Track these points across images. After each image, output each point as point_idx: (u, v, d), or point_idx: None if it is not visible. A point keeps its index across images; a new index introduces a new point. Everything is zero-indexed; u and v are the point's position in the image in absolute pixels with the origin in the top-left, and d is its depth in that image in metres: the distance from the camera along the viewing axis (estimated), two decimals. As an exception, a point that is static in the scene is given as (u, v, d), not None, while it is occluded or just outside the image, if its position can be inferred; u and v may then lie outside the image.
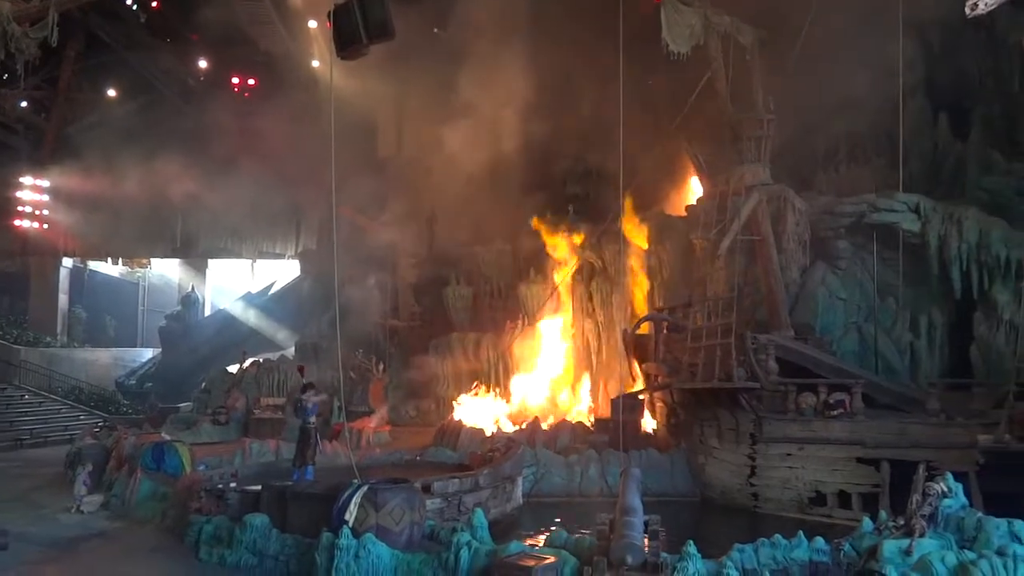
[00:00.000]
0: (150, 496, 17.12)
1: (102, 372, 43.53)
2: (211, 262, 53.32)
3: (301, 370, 18.82)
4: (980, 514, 11.69)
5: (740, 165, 23.74)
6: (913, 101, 25.91)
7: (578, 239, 31.29)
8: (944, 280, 23.11)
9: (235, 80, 43.84)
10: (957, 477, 12.30)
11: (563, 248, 31.64)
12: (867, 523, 11.97)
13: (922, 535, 11.08)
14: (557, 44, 32.97)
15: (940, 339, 23.20)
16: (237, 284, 53.36)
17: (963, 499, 11.97)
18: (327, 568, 11.72)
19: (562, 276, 31.25)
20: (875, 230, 23.44)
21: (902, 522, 11.53)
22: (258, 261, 51.12)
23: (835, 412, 18.62)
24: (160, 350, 46.84)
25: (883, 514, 12.38)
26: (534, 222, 32.31)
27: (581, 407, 29.17)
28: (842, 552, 11.35)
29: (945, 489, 11.70)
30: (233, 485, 15.20)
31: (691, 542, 10.97)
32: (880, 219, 23.22)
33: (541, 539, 14.00)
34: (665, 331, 23.41)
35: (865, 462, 17.97)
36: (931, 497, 11.49)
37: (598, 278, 30.52)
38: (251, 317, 44.92)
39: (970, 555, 10.56)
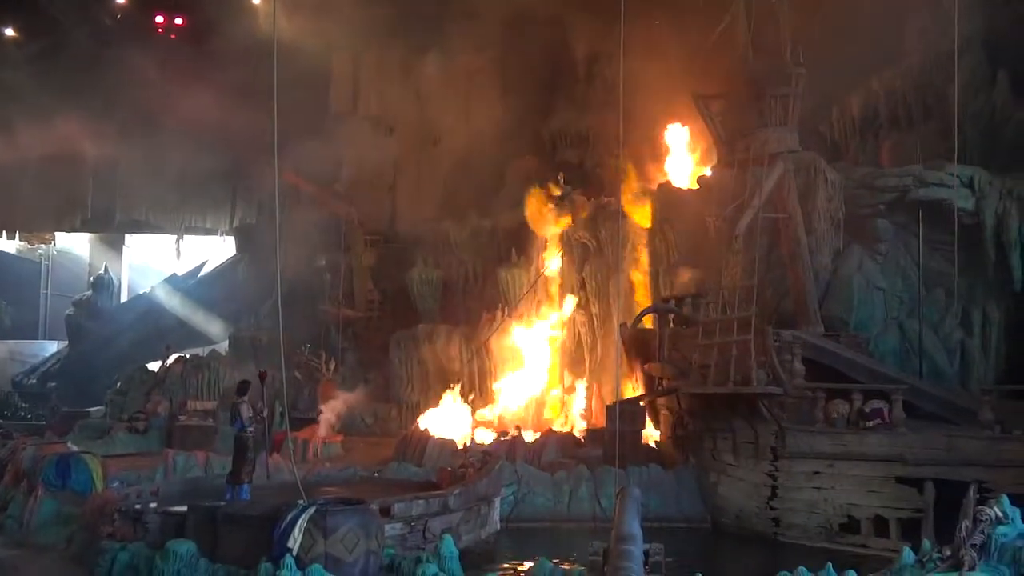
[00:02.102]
0: (53, 518, 17.00)
1: (-5, 368, 43.25)
2: (129, 238, 52.90)
3: (262, 376, 18.52)
4: (1041, 544, 11.79)
5: (763, 129, 23.77)
6: (968, 57, 26.02)
7: (567, 216, 31.27)
8: (1002, 268, 23.25)
9: (159, 19, 43.48)
10: (1014, 500, 12.37)
11: (550, 225, 31.63)
12: (908, 554, 12.04)
13: (972, 568, 11.16)
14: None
15: (996, 338, 23.37)
16: (160, 265, 52.94)
17: (1020, 526, 12.05)
18: (266, 605, 11.68)
19: (549, 258, 31.25)
20: (921, 208, 23.54)
21: (949, 553, 11.60)
22: (185, 238, 50.78)
23: (871, 423, 18.71)
24: (66, 343, 46.50)
25: (927, 543, 12.45)
26: (532, 196, 32.11)
27: (571, 415, 29.22)
28: (878, 588, 11.43)
29: (1000, 514, 11.76)
30: (153, 505, 15.10)
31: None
32: (927, 195, 23.31)
33: (522, 571, 14.02)
34: (671, 326, 23.45)
35: (906, 482, 18.08)
36: (983, 524, 11.56)
37: (592, 262, 30.51)
38: (176, 304, 44.60)
39: (1028, 592, 10.65)
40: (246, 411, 16.74)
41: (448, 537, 13.24)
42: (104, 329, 44.85)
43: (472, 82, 37.10)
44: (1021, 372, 22.19)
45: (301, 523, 12.03)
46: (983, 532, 11.53)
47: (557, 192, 32.22)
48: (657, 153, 31.85)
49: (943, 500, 17.10)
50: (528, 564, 14.84)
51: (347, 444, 26.83)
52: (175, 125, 39.05)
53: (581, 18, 34.26)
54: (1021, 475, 16.66)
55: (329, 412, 28.14)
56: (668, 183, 29.31)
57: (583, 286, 30.68)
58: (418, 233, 36.16)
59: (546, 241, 31.76)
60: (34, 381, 43.62)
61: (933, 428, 19.09)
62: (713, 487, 20.73)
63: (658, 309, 24.54)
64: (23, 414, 37.36)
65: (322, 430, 26.91)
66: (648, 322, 24.78)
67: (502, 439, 25.43)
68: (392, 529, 14.24)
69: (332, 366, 31.65)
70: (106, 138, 40.97)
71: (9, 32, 43.53)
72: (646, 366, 24.04)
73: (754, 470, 19.70)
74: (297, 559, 11.81)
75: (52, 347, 48.24)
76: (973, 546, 11.40)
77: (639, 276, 29.06)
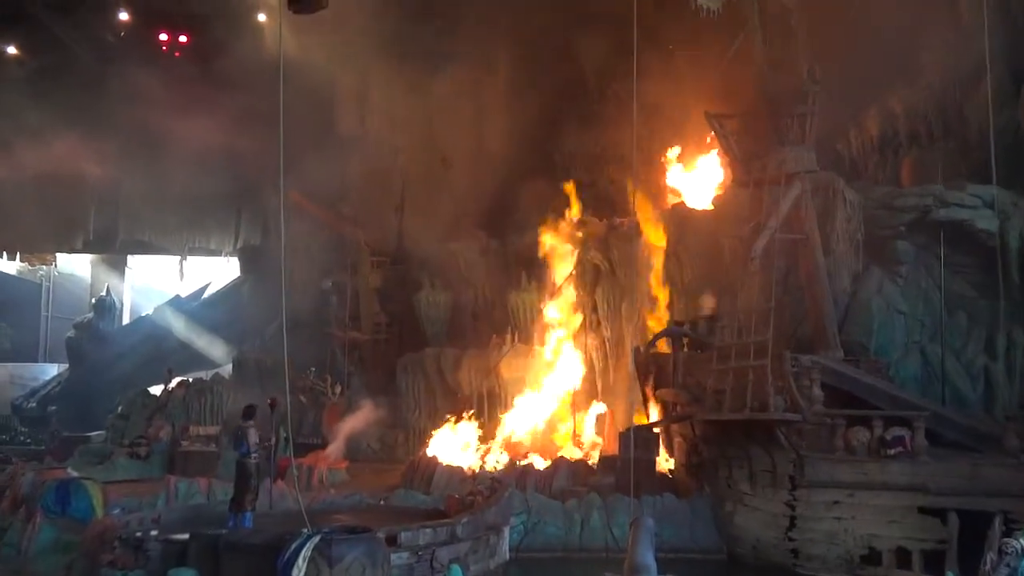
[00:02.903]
0: (52, 545, 16.99)
1: (-6, 392, 43.38)
2: (131, 259, 53.14)
3: (272, 404, 18.55)
4: (1069, 577, 11.68)
5: (779, 148, 23.76)
6: (989, 73, 26.01)
7: (579, 237, 31.26)
8: (1026, 291, 23.18)
9: (163, 37, 43.66)
10: (1041, 532, 12.30)
11: (563, 246, 31.61)
12: (931, 587, 11.97)
13: (998, 602, 11.07)
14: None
15: (1021, 363, 23.26)
16: (163, 286, 53.18)
17: (1048, 559, 11.96)
18: (269, 637, 11.64)
19: (561, 280, 31.22)
20: (942, 229, 23.49)
21: (974, 586, 11.51)
22: (189, 259, 50.98)
23: (893, 451, 18.60)
24: (67, 366, 46.61)
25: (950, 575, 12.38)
26: (543, 217, 32.18)
27: (583, 442, 29.12)
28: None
29: (1026, 546, 11.69)
30: (154, 533, 15.07)
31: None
32: (948, 215, 23.27)
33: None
34: (686, 350, 23.39)
35: (929, 512, 17.94)
36: (1009, 556, 11.48)
37: (605, 284, 30.50)
38: (179, 327, 44.75)
39: (1057, 628, 10.55)
40: (253, 436, 16.77)
41: (456, 567, 13.20)
42: (105, 352, 45.01)
43: (481, 102, 37.20)
44: (1047, 398, 22.13)
45: (305, 552, 12.00)
46: (1008, 565, 11.45)
47: (568, 213, 32.23)
48: (671, 173, 31.86)
49: (967, 531, 16.98)
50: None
51: (353, 470, 26.79)
52: (179, 145, 39.18)
53: (592, 37, 34.36)
54: (1048, 505, 16.57)
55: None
56: (682, 204, 29.31)
57: (595, 309, 30.64)
58: (426, 255, 36.18)
59: (557, 263, 31.71)
60: (34, 405, 43.74)
61: (956, 456, 18.96)
62: (729, 517, 20.61)
63: (672, 333, 24.50)
64: (22, 439, 37.48)
65: (328, 457, 26.83)
66: (662, 346, 24.73)
67: (511, 466, 25.37)
68: (399, 559, 14.17)
69: (338, 390, 31.65)
70: (108, 157, 41.20)
71: (11, 50, 43.78)
72: (660, 391, 23.99)
73: (772, 499, 19.57)
74: (301, 589, 11.77)
75: (52, 370, 48.41)
76: (999, 579, 11.32)
77: (652, 298, 29.02)
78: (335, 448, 27.41)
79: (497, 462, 26.75)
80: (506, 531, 18.43)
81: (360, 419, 28.86)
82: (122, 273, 53.31)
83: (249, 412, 17.29)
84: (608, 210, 31.97)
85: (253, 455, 16.66)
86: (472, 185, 36.75)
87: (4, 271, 50.46)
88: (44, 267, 53.14)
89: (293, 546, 12.13)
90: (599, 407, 29.50)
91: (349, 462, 27.49)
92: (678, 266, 28.02)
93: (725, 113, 25.83)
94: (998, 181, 23.69)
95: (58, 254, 52.06)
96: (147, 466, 26.87)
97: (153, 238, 48.68)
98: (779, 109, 23.77)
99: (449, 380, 32.03)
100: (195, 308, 46.40)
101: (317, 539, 12.17)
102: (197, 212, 46.98)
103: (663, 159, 31.19)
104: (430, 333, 34.62)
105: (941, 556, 17.38)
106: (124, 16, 42.15)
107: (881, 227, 24.20)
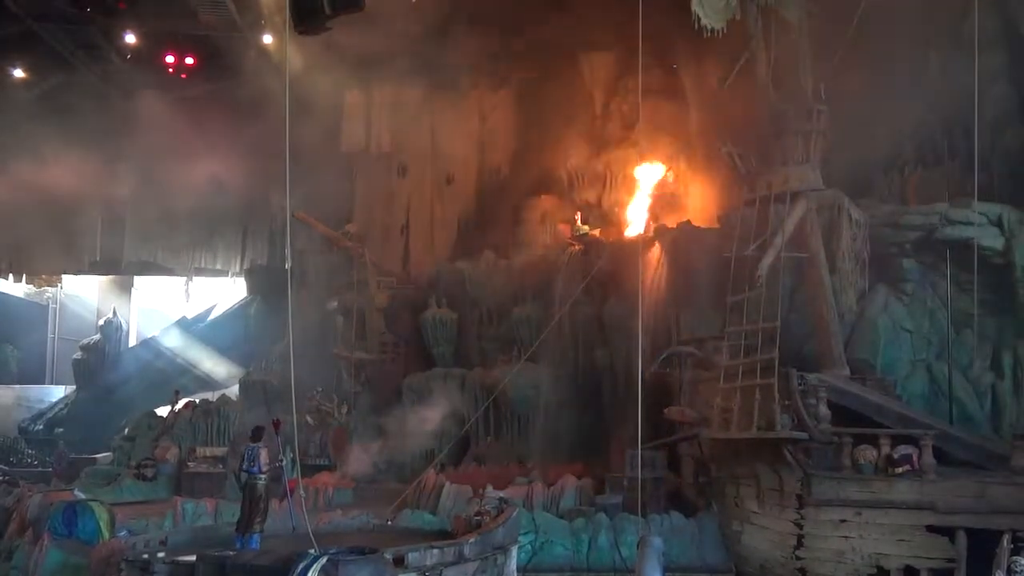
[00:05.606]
0: (60, 568, 17.02)
1: (2, 415, 43.38)
2: (137, 280, 53.18)
3: (277, 425, 18.61)
4: (1077, 596, 11.70)
5: (784, 166, 23.83)
6: (995, 91, 26.05)
7: (585, 255, 31.31)
8: (1033, 309, 23.14)
9: (169, 58, 43.87)
10: (1049, 550, 12.31)
11: (567, 264, 31.63)
12: (939, 606, 11.98)
13: (1006, 621, 11.09)
14: (564, 12, 33.21)
15: (1028, 380, 23.23)
16: (169, 307, 53.24)
17: (1057, 577, 11.97)
18: (276, 658, 11.67)
19: (567, 298, 31.27)
20: (948, 247, 23.48)
21: (982, 605, 11.53)
22: (195, 279, 51.03)
23: (900, 469, 18.58)
24: (74, 388, 46.64)
25: (959, 595, 12.39)
26: (549, 235, 32.15)
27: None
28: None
29: (1034, 565, 11.71)
30: (161, 555, 15.11)
31: (724, 628, 10.96)
32: (954, 233, 23.25)
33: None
34: (692, 369, 23.40)
35: (937, 531, 17.91)
36: (1017, 574, 11.51)
37: (611, 301, 30.52)
38: (186, 348, 44.80)
39: (1065, 646, 10.57)
40: (265, 456, 16.83)
41: (463, 588, 13.21)
42: (112, 374, 45.05)
43: (487, 120, 37.35)
44: (1055, 416, 22.08)
45: (312, 573, 12.03)
46: (1017, 583, 11.47)
47: (574, 231, 32.26)
48: (676, 191, 31.90)
49: (975, 549, 16.96)
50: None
51: (360, 492, 26.79)
52: (185, 165, 39.37)
53: (598, 55, 34.52)
54: (1057, 524, 16.53)
55: (341, 468, 28.06)
56: (688, 221, 29.34)
57: (600, 327, 30.62)
58: (432, 274, 36.25)
59: (563, 281, 31.73)
60: (41, 427, 43.74)
61: (964, 475, 18.89)
62: (737, 535, 20.62)
63: (679, 352, 24.51)
64: (29, 461, 37.49)
65: (335, 478, 26.81)
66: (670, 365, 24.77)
67: (518, 486, 25.35)
68: (406, 579, 14.20)
69: (344, 411, 31.63)
70: (114, 178, 41.36)
71: (18, 72, 43.97)
72: (667, 410, 24.01)
73: (779, 518, 19.55)
74: (308, 611, 11.80)
75: (59, 392, 48.42)
76: (1007, 597, 11.34)
77: (658, 317, 29.00)
78: (338, 474, 27.39)
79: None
80: (513, 551, 18.42)
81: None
82: (128, 295, 53.35)
83: (257, 434, 17.35)
84: (613, 228, 32.04)
85: (260, 476, 16.71)
86: (478, 204, 36.86)
87: (10, 293, 50.51)
88: (50, 289, 53.21)
89: (300, 567, 12.16)
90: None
91: (356, 483, 27.52)
92: (684, 284, 28.01)
93: (731, 132, 25.92)
94: (1005, 199, 23.83)
95: (64, 276, 52.13)
96: (154, 488, 26.91)
97: (159, 259, 48.70)
98: (784, 127, 23.86)
99: (455, 399, 32.02)
100: (201, 329, 46.44)
101: (324, 560, 12.21)
102: (203, 232, 47.09)
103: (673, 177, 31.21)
104: (436, 352, 34.64)
105: (950, 574, 17.38)
106: (131, 38, 42.35)
107: (887, 245, 24.17)
